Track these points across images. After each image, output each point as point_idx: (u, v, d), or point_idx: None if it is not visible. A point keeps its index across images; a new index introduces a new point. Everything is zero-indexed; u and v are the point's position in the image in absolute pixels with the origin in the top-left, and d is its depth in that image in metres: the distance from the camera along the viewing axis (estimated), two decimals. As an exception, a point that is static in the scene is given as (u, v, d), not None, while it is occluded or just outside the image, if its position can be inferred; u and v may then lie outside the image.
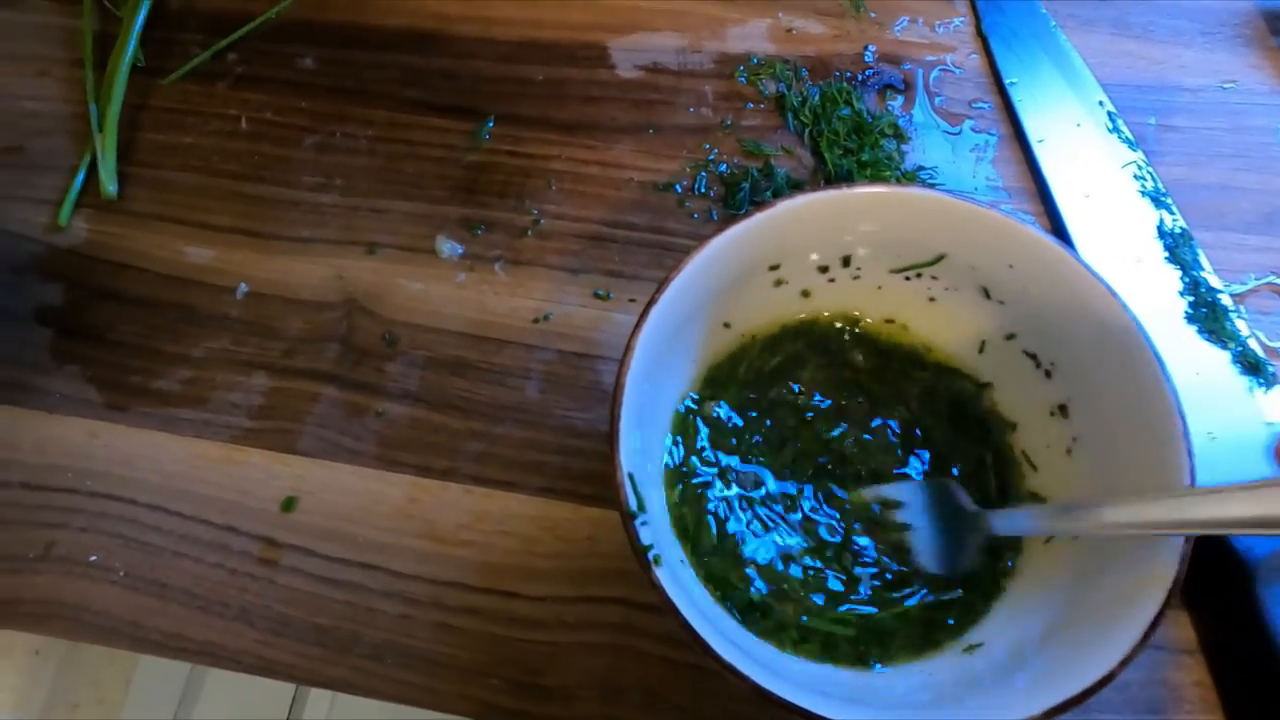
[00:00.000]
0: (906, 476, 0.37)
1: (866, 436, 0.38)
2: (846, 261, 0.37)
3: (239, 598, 0.40)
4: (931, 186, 0.47)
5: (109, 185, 0.48)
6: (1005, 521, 0.34)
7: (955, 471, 0.37)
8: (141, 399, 0.44)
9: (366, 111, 0.51)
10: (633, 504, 0.29)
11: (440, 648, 0.39)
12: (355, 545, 0.41)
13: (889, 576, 0.35)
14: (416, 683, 0.38)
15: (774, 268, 0.36)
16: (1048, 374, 0.36)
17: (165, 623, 0.39)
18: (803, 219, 0.33)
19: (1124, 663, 0.27)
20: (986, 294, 0.36)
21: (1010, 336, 0.36)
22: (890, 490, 0.37)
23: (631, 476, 0.29)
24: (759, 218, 0.32)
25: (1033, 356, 0.36)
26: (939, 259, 0.35)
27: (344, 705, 0.70)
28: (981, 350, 0.37)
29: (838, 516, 0.36)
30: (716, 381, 0.38)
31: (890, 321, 0.39)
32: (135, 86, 0.52)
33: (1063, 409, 0.35)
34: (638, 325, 0.31)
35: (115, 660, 0.48)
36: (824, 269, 0.37)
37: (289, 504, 0.42)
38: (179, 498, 0.42)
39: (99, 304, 0.46)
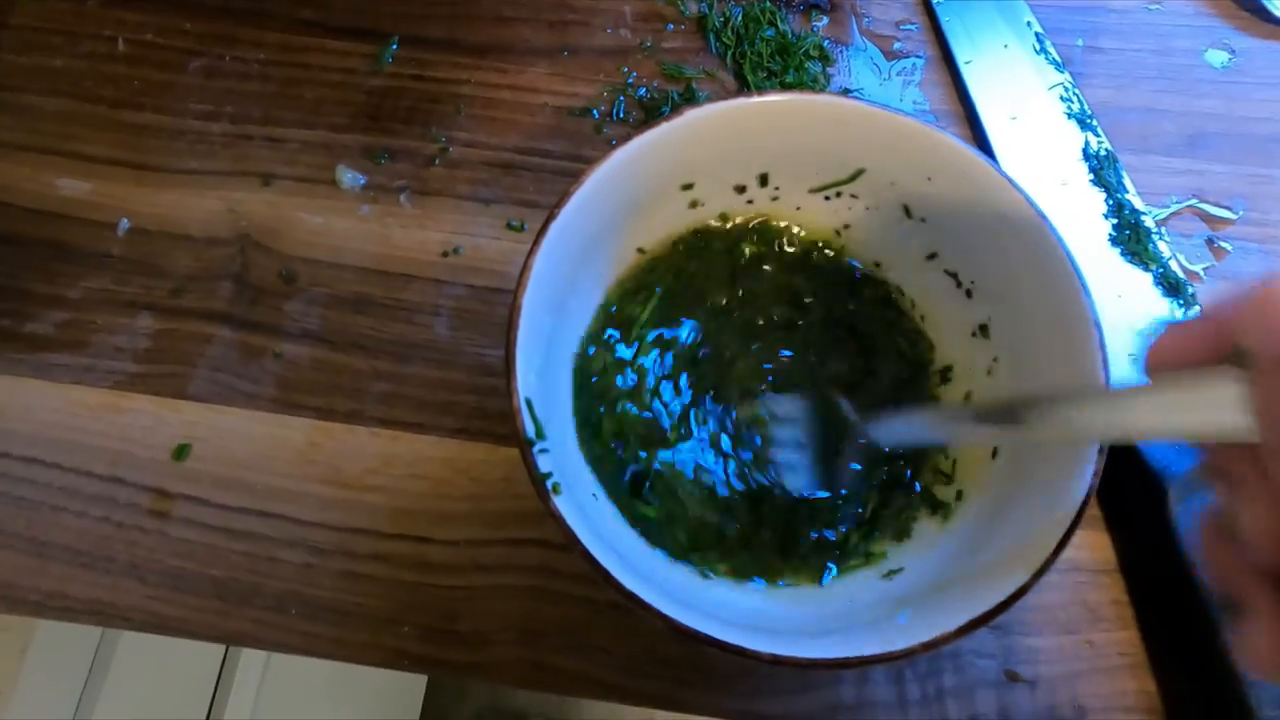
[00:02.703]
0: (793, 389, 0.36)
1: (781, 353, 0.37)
2: (764, 180, 0.35)
3: (128, 552, 0.37)
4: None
5: (-35, 112, 0.43)
6: (886, 431, 0.33)
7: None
8: (12, 344, 0.40)
9: (258, 33, 0.47)
10: (530, 431, 0.27)
11: (348, 597, 0.37)
12: (254, 493, 0.38)
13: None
14: (323, 634, 0.36)
15: (687, 187, 0.35)
16: (968, 294, 0.35)
17: (45, 582, 0.37)
18: (713, 131, 0.31)
19: (1036, 576, 0.26)
20: (907, 212, 0.34)
21: (931, 256, 0.35)
22: (773, 403, 0.36)
23: (529, 402, 0.28)
24: (664, 128, 0.30)
25: (954, 276, 0.35)
26: (858, 174, 0.34)
27: (274, 679, 0.68)
28: (905, 269, 0.36)
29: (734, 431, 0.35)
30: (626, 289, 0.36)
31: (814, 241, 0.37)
32: (-7, 3, 0.47)
33: (983, 329, 0.34)
34: (535, 245, 0.29)
35: (7, 628, 0.45)
36: (741, 188, 0.36)
37: (181, 452, 0.39)
38: (57, 449, 0.39)
39: (-41, 242, 0.42)
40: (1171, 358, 0.24)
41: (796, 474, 0.34)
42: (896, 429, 0.33)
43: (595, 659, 0.36)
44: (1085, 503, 0.27)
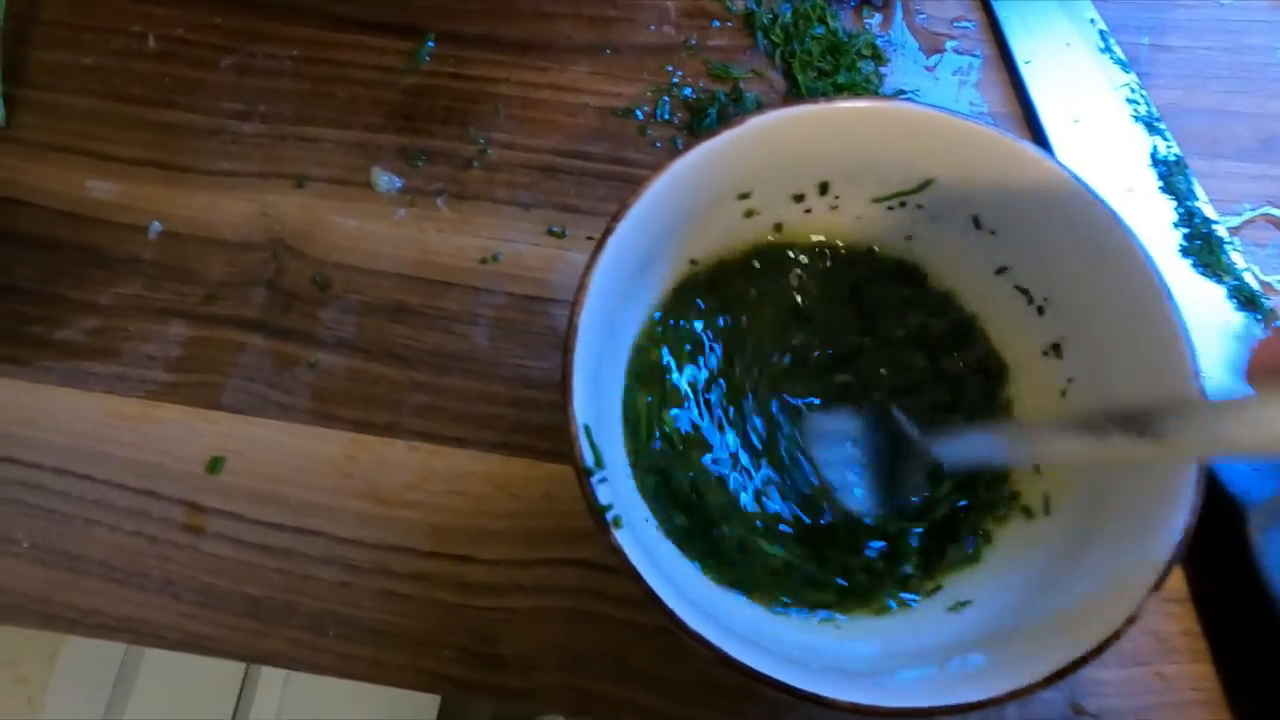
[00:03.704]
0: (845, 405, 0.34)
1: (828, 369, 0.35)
2: (824, 189, 0.34)
3: (161, 568, 0.36)
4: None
5: (-6, 111, 0.42)
6: (955, 450, 0.31)
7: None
8: (42, 351, 0.39)
9: (290, 29, 0.46)
10: (589, 459, 0.26)
11: (386, 617, 0.36)
12: (289, 508, 0.37)
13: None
14: (360, 655, 0.35)
15: (744, 196, 0.33)
16: (1040, 310, 0.33)
17: (79, 598, 0.36)
18: (775, 139, 0.30)
19: (1129, 621, 0.25)
20: (977, 223, 0.32)
21: (1001, 270, 0.33)
22: (824, 420, 0.34)
23: (588, 429, 0.26)
24: (726, 136, 0.29)
25: (1025, 292, 0.33)
26: (926, 184, 0.32)
27: (298, 683, 0.67)
28: (970, 284, 0.34)
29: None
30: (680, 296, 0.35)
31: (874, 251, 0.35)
32: (20, -2, 0.46)
33: (1056, 348, 0.32)
34: (592, 260, 0.27)
35: (35, 636, 0.45)
36: (799, 197, 0.34)
37: (214, 465, 0.38)
38: (89, 460, 0.38)
39: (-11, 246, 0.41)
40: (1273, 366, 0.22)
41: (854, 495, 0.33)
42: (966, 447, 0.31)
43: (642, 685, 0.35)
44: (1185, 538, 0.25)
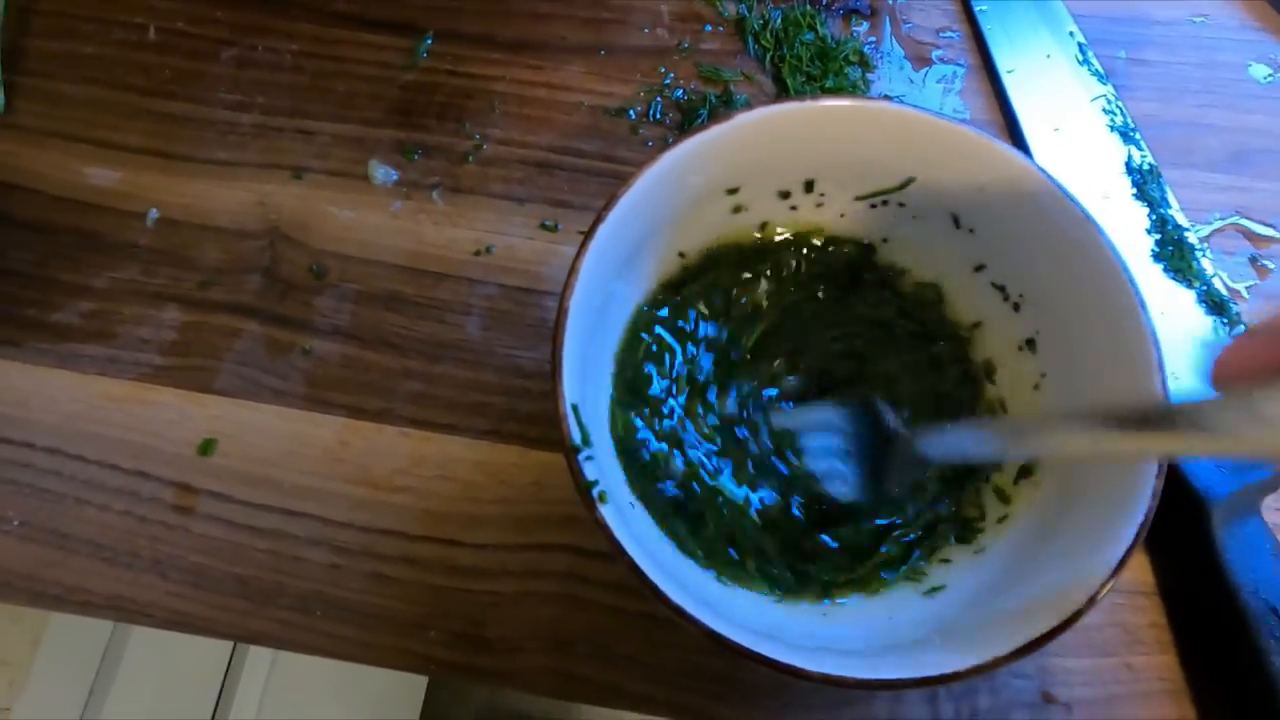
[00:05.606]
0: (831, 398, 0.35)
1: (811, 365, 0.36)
2: (809, 187, 0.35)
3: (150, 548, 0.37)
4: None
5: (-5, 96, 0.43)
6: (940, 444, 0.31)
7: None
8: (37, 333, 0.40)
9: (291, 24, 0.47)
10: (576, 437, 0.27)
11: (374, 599, 0.36)
12: (280, 491, 0.38)
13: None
14: (348, 636, 0.36)
15: (732, 191, 0.34)
16: (1016, 307, 0.34)
17: (66, 575, 0.36)
18: (762, 135, 0.31)
19: (1091, 601, 0.26)
20: (956, 222, 0.34)
21: (979, 268, 0.34)
22: (807, 414, 0.34)
23: (575, 408, 0.27)
24: (715, 131, 0.30)
25: (1001, 289, 0.34)
26: (908, 183, 0.33)
27: (282, 672, 0.67)
28: (950, 281, 0.35)
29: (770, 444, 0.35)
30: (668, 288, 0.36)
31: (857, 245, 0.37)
32: (23, -13, 0.46)
33: (1030, 343, 0.34)
34: (583, 246, 0.28)
35: (20, 619, 0.45)
36: (785, 194, 0.35)
37: (206, 447, 0.38)
38: (81, 440, 0.38)
39: (-14, 229, 0.42)
40: (1236, 370, 0.23)
41: (840, 483, 0.34)
42: (954, 441, 0.31)
43: (625, 669, 0.35)
44: (1146, 522, 0.26)
